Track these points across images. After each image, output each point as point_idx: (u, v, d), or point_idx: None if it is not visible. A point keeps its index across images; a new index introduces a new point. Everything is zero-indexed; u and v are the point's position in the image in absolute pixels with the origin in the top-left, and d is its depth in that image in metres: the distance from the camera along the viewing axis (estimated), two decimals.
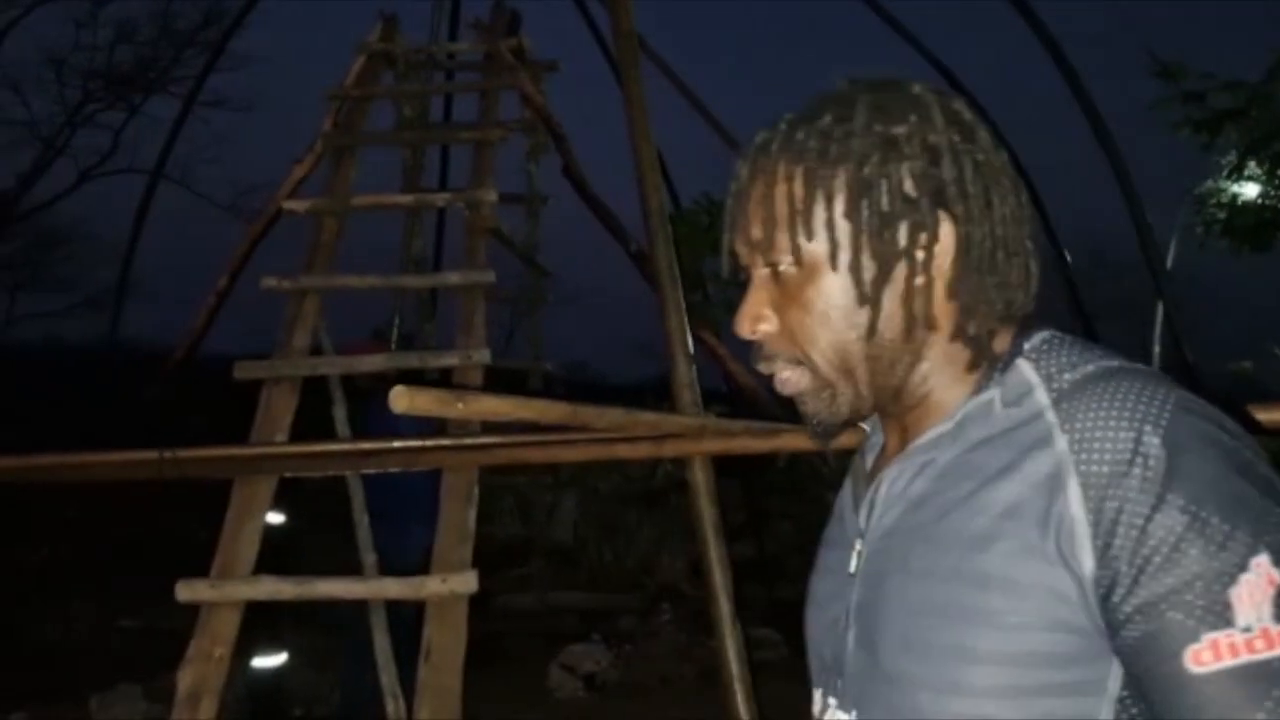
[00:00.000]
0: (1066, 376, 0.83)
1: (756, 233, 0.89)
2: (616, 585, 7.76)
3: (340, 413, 3.50)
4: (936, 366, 0.90)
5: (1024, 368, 0.87)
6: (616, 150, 3.60)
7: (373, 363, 3.65)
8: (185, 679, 2.80)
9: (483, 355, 3.44)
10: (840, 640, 0.91)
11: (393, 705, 2.94)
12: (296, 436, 3.46)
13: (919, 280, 0.87)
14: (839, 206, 0.86)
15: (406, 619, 3.49)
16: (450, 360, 3.52)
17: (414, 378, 4.06)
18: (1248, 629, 0.70)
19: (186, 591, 2.93)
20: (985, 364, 0.89)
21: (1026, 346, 0.88)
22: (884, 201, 0.85)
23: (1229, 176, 5.49)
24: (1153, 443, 0.74)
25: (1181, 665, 0.71)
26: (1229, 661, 0.70)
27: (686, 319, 2.77)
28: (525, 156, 5.16)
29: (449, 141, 5.52)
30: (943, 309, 0.88)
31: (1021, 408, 0.84)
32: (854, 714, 0.88)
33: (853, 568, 0.92)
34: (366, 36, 4.91)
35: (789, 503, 7.81)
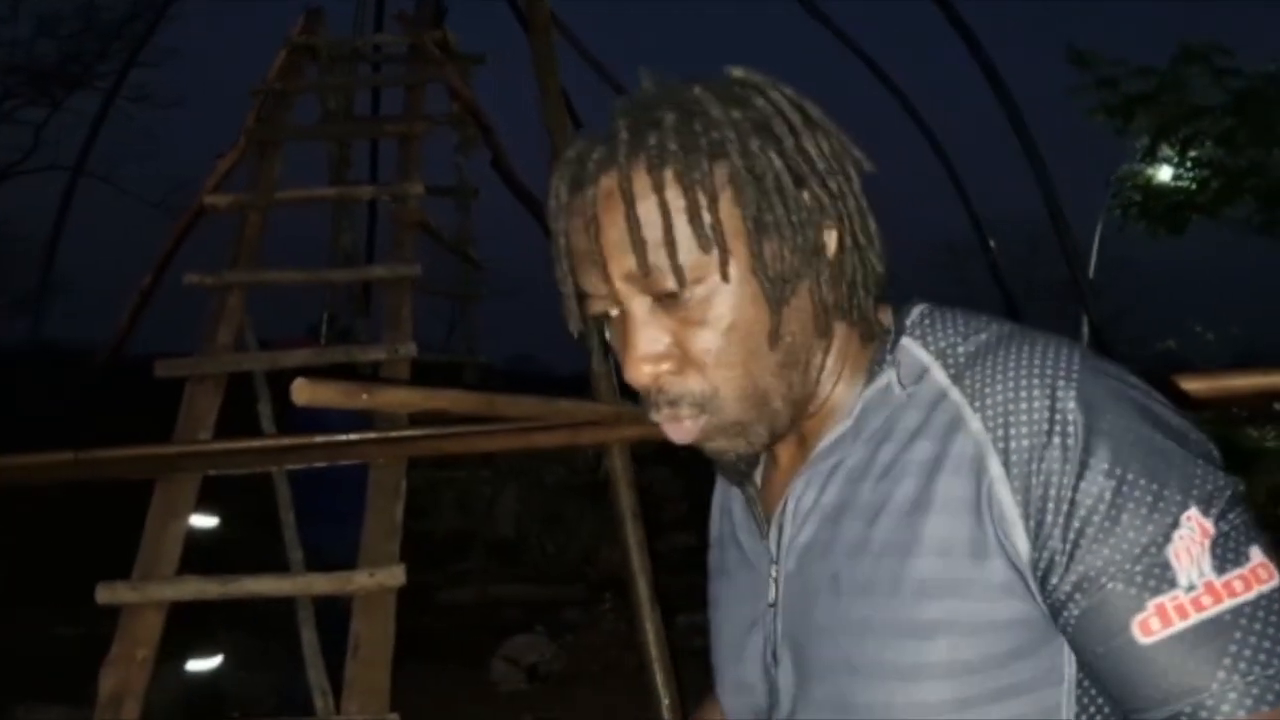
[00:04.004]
0: (960, 349, 0.79)
1: (628, 262, 0.77)
2: (559, 576, 7.77)
3: (265, 409, 3.46)
4: (838, 360, 0.84)
5: (911, 346, 0.82)
6: (547, 142, 3.60)
7: (298, 358, 3.62)
8: (107, 682, 2.76)
9: (408, 349, 3.43)
10: (770, 676, 0.85)
11: (321, 701, 2.93)
12: (225, 436, 3.42)
13: (823, 266, 0.80)
14: (726, 206, 0.76)
15: (341, 614, 3.47)
16: (377, 355, 3.51)
17: (345, 373, 4.04)
18: (1191, 587, 0.67)
19: (107, 594, 2.89)
20: (873, 348, 0.84)
21: (907, 323, 0.84)
22: (777, 189, 0.77)
23: (1143, 160, 5.66)
24: (1069, 405, 0.71)
25: (1131, 638, 0.68)
26: (1179, 625, 0.67)
27: None
28: (455, 149, 5.15)
29: (374, 135, 5.49)
30: (841, 293, 0.82)
31: (921, 389, 0.79)
32: None
33: (771, 597, 0.85)
34: (290, 30, 4.86)
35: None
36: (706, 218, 0.75)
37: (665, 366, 0.79)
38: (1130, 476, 0.69)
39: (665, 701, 2.20)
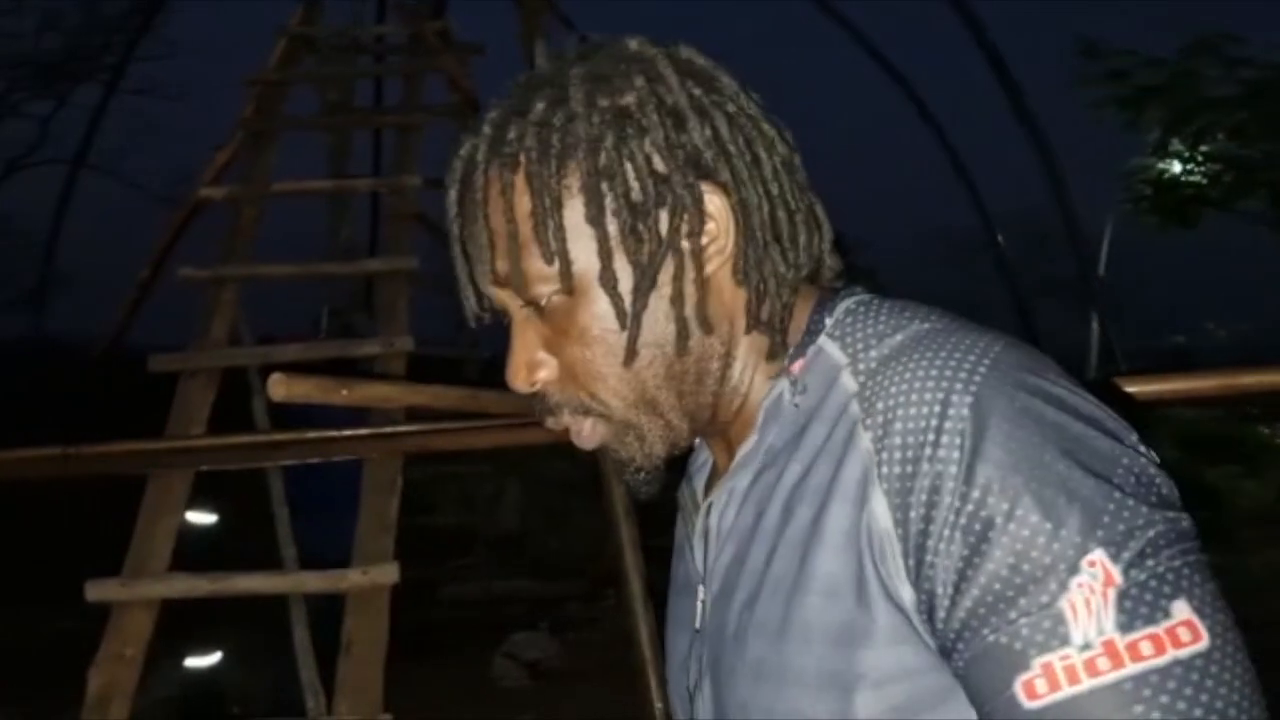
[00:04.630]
0: (873, 353, 0.69)
1: (490, 267, 0.74)
2: (562, 572, 7.73)
3: (259, 404, 3.42)
4: (749, 365, 0.77)
5: (827, 346, 0.73)
6: None
7: (292, 353, 3.58)
8: (95, 681, 2.73)
9: (404, 343, 3.39)
10: (693, 704, 0.80)
11: (313, 701, 2.88)
12: (218, 432, 3.38)
13: (694, 272, 0.72)
14: (578, 210, 0.71)
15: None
16: (372, 349, 3.47)
17: (342, 368, 4.00)
18: (1087, 645, 0.57)
19: (96, 591, 2.85)
20: (783, 349, 0.76)
21: (829, 321, 0.74)
22: (632, 189, 0.70)
23: (1154, 154, 5.57)
24: (960, 410, 0.61)
25: (1013, 698, 0.58)
26: (1068, 690, 0.56)
27: None
28: (454, 141, 5.10)
29: (371, 126, 5.44)
30: (733, 296, 0.74)
31: (830, 399, 0.70)
32: None
33: (698, 621, 0.80)
34: (288, 19, 4.82)
35: None
36: (549, 224, 0.70)
37: (543, 374, 0.76)
38: (1020, 511, 0.58)
39: (659, 705, 2.15)
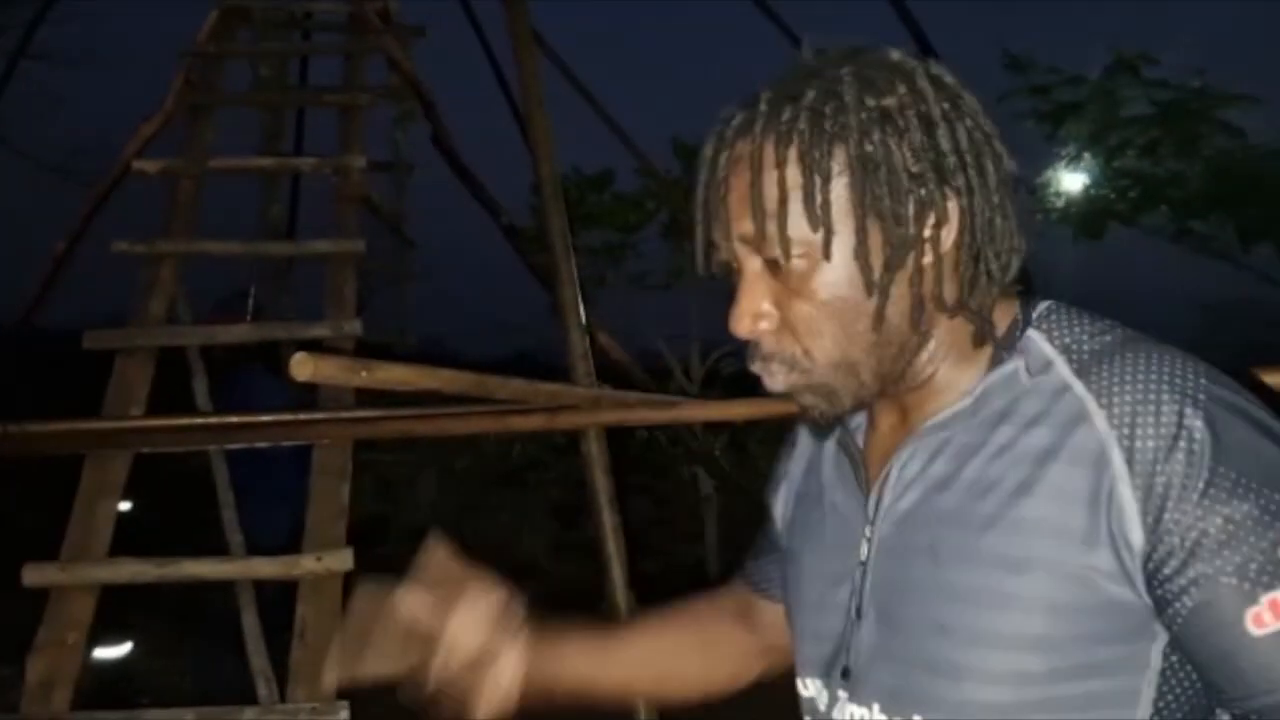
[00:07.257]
0: (1085, 346, 0.83)
1: (746, 226, 0.84)
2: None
3: (201, 385, 3.33)
4: (943, 345, 0.88)
5: (1037, 339, 0.86)
6: (480, 120, 3.53)
7: (235, 333, 3.49)
8: (35, 668, 2.62)
9: (354, 327, 3.33)
10: (850, 630, 0.90)
11: (265, 688, 2.82)
12: (159, 412, 3.27)
13: (928, 260, 0.84)
14: (839, 190, 0.81)
15: (270, 599, 3.37)
16: (320, 332, 3.39)
17: (273, 350, 3.90)
18: None
19: (35, 575, 2.74)
20: (994, 338, 0.87)
21: (1034, 316, 0.87)
22: (888, 180, 0.81)
23: (1068, 167, 5.82)
24: (1195, 423, 0.76)
25: (1243, 629, 0.73)
26: None
27: (579, 290, 2.75)
28: (393, 123, 5.02)
29: (314, 104, 5.29)
30: (949, 287, 0.86)
31: (1045, 381, 0.83)
32: (876, 707, 0.86)
33: (863, 554, 0.90)
34: None
35: (646, 478, 7.88)
36: (818, 198, 0.81)
37: (764, 325, 0.86)
38: (1254, 485, 0.75)
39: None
